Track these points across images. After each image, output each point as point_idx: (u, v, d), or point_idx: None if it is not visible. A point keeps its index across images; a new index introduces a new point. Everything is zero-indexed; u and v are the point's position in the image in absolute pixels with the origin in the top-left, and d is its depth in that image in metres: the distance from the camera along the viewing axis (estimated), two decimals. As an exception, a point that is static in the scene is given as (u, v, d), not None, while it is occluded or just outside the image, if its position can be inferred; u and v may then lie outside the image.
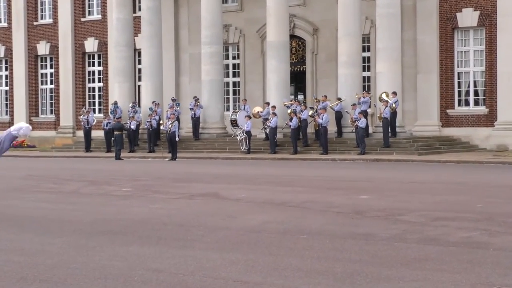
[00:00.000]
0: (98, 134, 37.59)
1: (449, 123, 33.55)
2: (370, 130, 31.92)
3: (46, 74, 44.44)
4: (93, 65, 42.90)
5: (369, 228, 10.69)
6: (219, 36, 35.84)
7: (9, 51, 44.93)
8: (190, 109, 35.59)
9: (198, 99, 35.65)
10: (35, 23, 44.08)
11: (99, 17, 42.22)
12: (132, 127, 34.95)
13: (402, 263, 8.12)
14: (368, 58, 34.91)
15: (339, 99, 32.30)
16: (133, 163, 29.60)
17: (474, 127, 32.96)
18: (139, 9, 39.06)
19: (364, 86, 33.84)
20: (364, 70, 34.05)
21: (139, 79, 39.71)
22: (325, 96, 32.88)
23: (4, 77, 45.58)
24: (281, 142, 32.52)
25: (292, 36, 36.40)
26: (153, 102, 36.02)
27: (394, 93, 30.91)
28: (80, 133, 39.47)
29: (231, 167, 25.84)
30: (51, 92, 44.20)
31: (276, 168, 25.06)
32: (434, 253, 8.70)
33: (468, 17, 33.01)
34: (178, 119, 33.19)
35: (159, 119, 35.09)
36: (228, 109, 38.07)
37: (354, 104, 31.34)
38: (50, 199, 15.75)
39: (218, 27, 35.73)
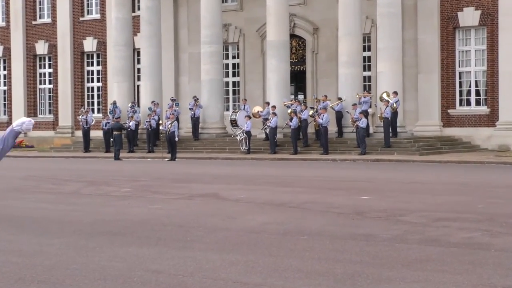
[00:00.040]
0: (97, 134, 37.59)
1: (450, 123, 33.55)
2: (371, 130, 31.92)
3: (44, 73, 44.44)
4: (92, 65, 42.90)
5: (370, 228, 10.68)
6: (219, 35, 35.85)
7: (7, 51, 44.94)
8: (190, 109, 35.58)
9: (197, 99, 35.65)
10: (33, 22, 44.08)
11: (98, 16, 42.22)
12: (131, 127, 34.93)
13: (403, 264, 8.12)
14: (369, 57, 34.92)
15: (340, 99, 32.30)
16: (132, 163, 29.60)
17: (476, 127, 32.96)
18: (138, 9, 39.06)
19: (364, 85, 33.84)
20: (364, 70, 34.05)
21: (138, 79, 39.70)
22: (326, 96, 32.88)
23: (2, 77, 45.58)
24: (281, 142, 32.52)
25: (292, 36, 36.40)
26: (152, 102, 36.01)
27: (395, 93, 30.91)
28: (79, 133, 39.47)
29: (230, 167, 25.84)
30: (49, 92, 44.20)
31: (276, 168, 25.06)
32: (435, 254, 8.69)
33: (469, 16, 33.01)
34: (177, 119, 33.18)
35: (159, 119, 35.09)
36: (227, 109, 38.07)
37: (354, 104, 31.34)
38: (49, 199, 15.75)
39: (218, 27, 35.73)
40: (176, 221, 11.90)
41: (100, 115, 40.35)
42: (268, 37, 34.19)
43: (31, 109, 44.44)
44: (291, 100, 33.96)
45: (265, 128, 32.82)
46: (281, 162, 28.92)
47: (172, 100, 35.89)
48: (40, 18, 44.23)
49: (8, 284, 7.50)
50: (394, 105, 30.57)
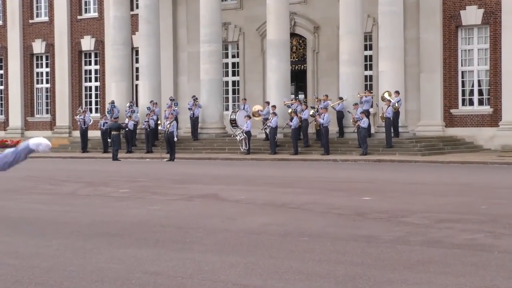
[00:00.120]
0: (94, 134, 37.60)
1: (452, 123, 33.56)
2: (372, 130, 31.93)
3: (41, 73, 44.45)
4: (90, 64, 42.91)
5: (371, 230, 10.68)
6: (218, 34, 35.86)
7: (4, 50, 44.93)
8: (189, 108, 35.58)
9: (196, 98, 35.65)
10: (30, 21, 44.09)
11: (95, 15, 42.23)
12: (130, 127, 34.93)
13: (405, 266, 8.11)
14: (370, 56, 34.94)
15: (341, 98, 32.30)
16: (130, 163, 29.60)
17: (479, 127, 32.97)
18: (137, 7, 39.06)
19: (366, 85, 33.84)
20: (366, 69, 34.06)
21: (137, 78, 39.70)
22: (326, 96, 32.88)
23: (-1, 76, 45.60)
24: (281, 143, 32.52)
25: (293, 34, 36.41)
26: (151, 101, 36.02)
27: (397, 93, 30.91)
28: (77, 133, 39.49)
29: (230, 167, 25.84)
30: (46, 92, 44.21)
31: (277, 169, 25.06)
32: (437, 255, 8.69)
33: (472, 15, 33.01)
34: (176, 119, 33.18)
35: (157, 119, 35.10)
36: (227, 109, 38.08)
37: (356, 104, 31.34)
38: (46, 200, 15.75)
39: (217, 25, 35.73)
40: (175, 222, 11.90)
41: (98, 115, 40.36)
42: (268, 36, 34.19)
43: (28, 109, 44.44)
44: (292, 100, 33.96)
45: (265, 128, 32.82)
46: (281, 162, 28.92)
47: (171, 99, 35.90)
48: (37, 16, 44.24)
49: (5, 286, 7.50)
50: (396, 104, 30.58)
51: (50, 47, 43.46)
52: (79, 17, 42.53)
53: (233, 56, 39.14)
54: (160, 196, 16.03)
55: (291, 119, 31.67)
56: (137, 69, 39.54)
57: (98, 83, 42.49)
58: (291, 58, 35.41)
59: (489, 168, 24.68)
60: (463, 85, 33.74)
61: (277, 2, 33.43)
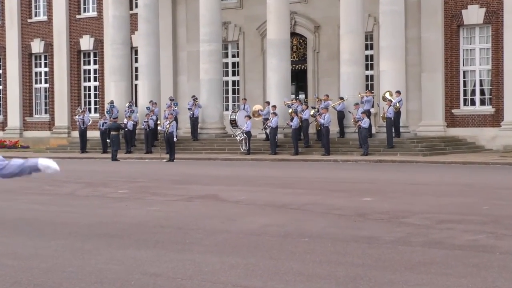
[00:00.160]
0: (94, 134, 37.61)
1: (454, 123, 33.56)
2: (373, 130, 31.94)
3: (40, 72, 44.46)
4: (89, 64, 42.93)
5: (372, 231, 10.69)
6: (218, 33, 35.86)
7: (2, 49, 44.94)
8: (189, 108, 35.58)
9: (196, 98, 35.65)
10: (29, 20, 44.11)
11: (94, 14, 42.24)
12: (129, 127, 34.94)
13: (406, 267, 8.12)
14: (371, 56, 34.94)
15: (342, 98, 32.30)
16: (129, 164, 29.60)
17: (480, 127, 32.98)
18: (136, 6, 39.07)
19: (367, 85, 33.85)
20: (367, 69, 34.06)
21: (136, 78, 39.71)
22: (327, 95, 32.88)
23: (-3, 76, 45.61)
24: (281, 143, 32.53)
25: (293, 34, 36.42)
26: (150, 101, 36.02)
27: (398, 92, 30.92)
28: (76, 134, 39.50)
29: (230, 168, 25.85)
30: (45, 91, 44.23)
31: (277, 169, 25.06)
32: (439, 256, 8.70)
33: (473, 14, 33.02)
34: (176, 119, 33.19)
35: (157, 119, 35.11)
36: (227, 109, 38.09)
37: (356, 104, 31.34)
38: (45, 201, 15.75)
39: (217, 25, 35.74)
40: (175, 223, 11.91)
41: (97, 115, 40.37)
42: (269, 35, 34.20)
43: (27, 109, 44.45)
44: (292, 100, 33.96)
45: (266, 128, 32.83)
46: (281, 163, 28.92)
47: (170, 99, 35.90)
48: (35, 16, 44.25)
49: (3, 287, 7.50)
50: (397, 104, 30.58)
51: (48, 47, 43.47)
52: (78, 16, 42.54)
53: (233, 56, 39.15)
54: (159, 197, 16.03)
55: (292, 119, 31.67)
56: (136, 68, 39.55)
57: (97, 83, 42.50)
58: (291, 57, 35.41)
59: (491, 169, 24.68)
60: (464, 85, 33.75)
61: (278, 1, 33.44)
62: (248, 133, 32.25)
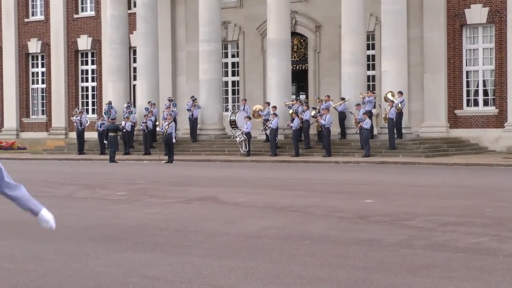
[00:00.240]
0: (91, 135, 37.62)
1: (457, 124, 33.57)
2: (375, 132, 31.95)
3: (37, 73, 44.48)
4: (86, 64, 42.95)
5: (374, 233, 10.69)
6: (218, 33, 35.88)
7: (-1, 49, 44.96)
8: (188, 109, 35.59)
9: (195, 99, 35.65)
10: (26, 20, 44.12)
11: (92, 13, 42.26)
12: (127, 128, 34.94)
13: (408, 270, 8.12)
14: (373, 56, 34.96)
15: (343, 99, 32.31)
16: (128, 165, 29.61)
17: (483, 128, 32.98)
18: (134, 6, 39.10)
19: (368, 85, 33.86)
20: (368, 69, 34.07)
21: (134, 78, 39.73)
22: (328, 96, 32.89)
23: (-7, 76, 45.62)
24: (282, 144, 32.54)
25: (294, 34, 36.44)
26: (149, 102, 36.03)
27: (400, 93, 30.93)
28: (73, 135, 39.50)
29: (230, 170, 25.86)
30: (42, 92, 44.24)
31: (277, 171, 25.07)
32: (441, 259, 8.70)
33: (477, 13, 33.03)
34: (175, 120, 33.20)
35: (155, 120, 35.11)
36: (227, 110, 38.10)
37: (358, 104, 31.35)
38: (42, 203, 15.71)
39: (217, 24, 35.76)
40: (174, 225, 11.91)
41: (95, 115, 40.38)
42: (269, 35, 34.22)
43: (23, 110, 44.47)
44: (293, 100, 33.97)
45: (266, 129, 32.84)
46: (282, 164, 28.93)
47: (169, 100, 35.92)
48: (32, 15, 44.27)
49: (-1, 291, 7.51)
50: (399, 105, 30.59)
51: (46, 47, 43.49)
52: (75, 16, 42.56)
53: (233, 56, 39.16)
54: (158, 199, 16.03)
55: (292, 120, 31.68)
56: (134, 69, 39.58)
57: (95, 83, 42.51)
58: (292, 57, 35.43)
59: (494, 170, 24.69)
60: (467, 85, 33.76)
61: (278, 1, 33.46)
62: (248, 134, 32.26)
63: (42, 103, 44.23)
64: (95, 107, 42.25)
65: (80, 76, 43.04)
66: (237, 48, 38.82)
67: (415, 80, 33.68)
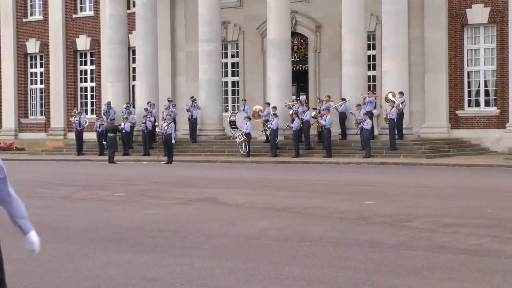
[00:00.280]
0: (90, 136, 37.60)
1: (458, 125, 33.57)
2: (376, 132, 31.94)
3: (36, 73, 44.48)
4: (85, 64, 42.95)
5: (375, 235, 10.69)
6: (217, 33, 35.88)
7: (-3, 49, 44.96)
8: (187, 110, 35.59)
9: (195, 99, 35.65)
10: (24, 20, 44.12)
11: (91, 13, 42.27)
12: (126, 129, 34.94)
13: (409, 272, 8.12)
14: (374, 56, 34.96)
15: (343, 99, 32.31)
16: (127, 166, 29.62)
17: (485, 128, 32.98)
18: (134, 5, 39.10)
19: (369, 85, 33.86)
20: (369, 69, 34.06)
21: (134, 79, 39.73)
22: (329, 96, 32.89)
23: (-8, 77, 45.62)
24: (282, 145, 32.54)
25: (294, 34, 36.44)
26: (148, 102, 36.03)
27: (401, 93, 30.93)
28: (72, 135, 39.49)
29: (230, 170, 25.86)
30: (41, 92, 44.23)
31: (277, 172, 25.07)
32: (443, 261, 8.70)
33: (478, 13, 33.04)
34: (174, 121, 33.19)
35: (155, 121, 35.11)
36: (226, 110, 38.10)
37: (359, 105, 31.35)
38: (40, 204, 15.75)
39: (216, 24, 35.76)
40: (173, 227, 11.91)
41: (94, 116, 40.38)
42: (269, 35, 34.22)
43: (22, 110, 44.47)
44: (293, 101, 33.97)
45: (266, 130, 32.84)
46: (282, 165, 28.93)
47: (168, 100, 35.92)
48: (31, 15, 44.27)
49: (-2, 292, 7.51)
50: (400, 106, 30.59)
51: (44, 47, 43.49)
52: (74, 15, 42.56)
53: (233, 56, 39.17)
54: (157, 200, 16.04)
55: (292, 121, 31.69)
56: (134, 69, 39.58)
57: (94, 84, 42.51)
58: (292, 57, 35.42)
59: (496, 171, 24.70)
60: (469, 86, 33.75)
61: (278, 0, 33.46)
62: (248, 135, 32.25)
63: (41, 104, 44.23)
64: (94, 107, 42.25)
65: (79, 76, 43.04)
66: (237, 48, 38.83)
67: (416, 80, 33.68)
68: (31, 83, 44.59)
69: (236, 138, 32.91)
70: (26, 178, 22.47)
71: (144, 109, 35.60)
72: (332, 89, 34.93)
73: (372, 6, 33.42)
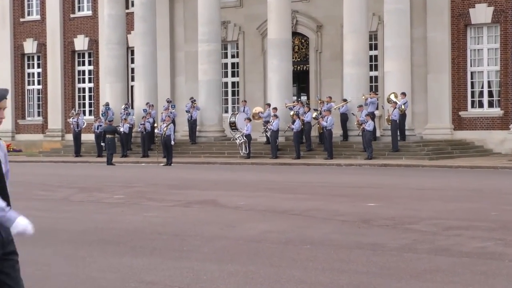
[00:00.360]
0: (88, 137, 37.59)
1: (461, 126, 33.57)
2: (378, 133, 31.94)
3: (33, 74, 44.49)
4: (83, 64, 42.95)
5: (377, 237, 10.70)
6: (217, 33, 35.89)
7: (-6, 50, 44.98)
8: (187, 111, 35.60)
9: (194, 100, 35.66)
10: (21, 19, 44.14)
11: (89, 13, 42.28)
12: (125, 130, 34.95)
13: (412, 275, 8.13)
14: (376, 56, 34.95)
15: (345, 100, 32.31)
16: (125, 168, 29.62)
17: (488, 130, 32.98)
18: (132, 5, 39.10)
19: (371, 86, 33.87)
20: (371, 70, 34.07)
21: (132, 79, 39.75)
22: (330, 97, 32.89)
23: (-12, 77, 45.63)
24: (283, 146, 32.54)
25: (295, 33, 36.44)
26: (147, 103, 36.05)
27: (403, 94, 30.93)
28: (70, 137, 39.50)
29: (229, 172, 25.86)
30: (38, 93, 44.25)
31: (278, 173, 25.08)
32: (446, 264, 8.71)
33: (481, 13, 33.04)
34: (173, 122, 33.19)
35: (154, 122, 35.12)
36: (226, 111, 38.10)
37: (360, 106, 31.35)
38: (38, 206, 15.76)
39: (216, 24, 35.77)
40: (172, 229, 11.92)
41: (92, 117, 40.39)
42: (269, 35, 34.23)
43: (19, 112, 44.48)
44: (294, 102, 33.98)
45: (266, 131, 32.84)
46: (283, 167, 28.94)
47: (168, 101, 35.93)
48: (28, 15, 44.27)
49: (-5, 296, 7.51)
50: (402, 106, 30.60)
51: (42, 47, 43.50)
52: (72, 15, 42.57)
53: (233, 56, 39.17)
54: (156, 202, 16.04)
55: (293, 122, 31.69)
56: (132, 69, 39.59)
57: (92, 84, 42.52)
58: (293, 58, 35.43)
59: (500, 173, 24.69)
60: (472, 86, 33.75)
61: (279, 0, 33.47)
62: (248, 136, 32.25)
63: (38, 105, 44.24)
64: (92, 108, 42.25)
65: (76, 77, 43.04)
66: (237, 48, 38.83)
67: (418, 81, 33.68)
68: (28, 84, 44.61)
69: (236, 139, 32.90)
70: (24, 180, 22.47)
71: (143, 110, 35.61)
72: (333, 90, 34.93)
73: (374, 5, 33.43)
